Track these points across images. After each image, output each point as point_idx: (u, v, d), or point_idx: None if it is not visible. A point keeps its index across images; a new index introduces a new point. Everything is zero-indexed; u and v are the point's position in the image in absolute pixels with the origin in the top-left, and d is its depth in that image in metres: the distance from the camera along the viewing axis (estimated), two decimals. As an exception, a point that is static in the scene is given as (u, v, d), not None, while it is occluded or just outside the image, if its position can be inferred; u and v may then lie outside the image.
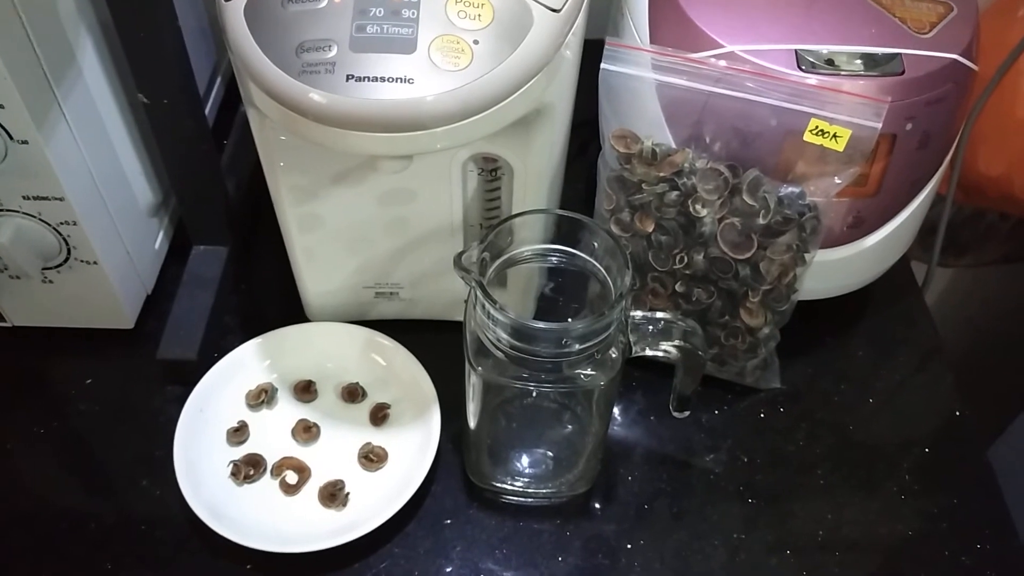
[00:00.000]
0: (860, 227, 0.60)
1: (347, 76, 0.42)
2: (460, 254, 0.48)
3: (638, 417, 0.63)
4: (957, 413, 0.64)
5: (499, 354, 0.49)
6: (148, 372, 0.63)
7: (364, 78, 0.42)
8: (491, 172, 0.55)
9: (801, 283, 0.59)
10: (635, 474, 0.60)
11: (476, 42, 0.43)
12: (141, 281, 0.65)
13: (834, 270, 0.62)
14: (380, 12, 0.43)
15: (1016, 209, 0.86)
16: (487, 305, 0.47)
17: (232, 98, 0.77)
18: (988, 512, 0.59)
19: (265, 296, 0.69)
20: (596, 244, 0.51)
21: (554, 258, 0.52)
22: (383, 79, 0.42)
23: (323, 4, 0.43)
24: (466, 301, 0.51)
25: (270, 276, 0.69)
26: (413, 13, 0.43)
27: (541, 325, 0.47)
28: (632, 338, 0.51)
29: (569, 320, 0.67)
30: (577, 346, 0.48)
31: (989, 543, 0.57)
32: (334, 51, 0.42)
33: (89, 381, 0.64)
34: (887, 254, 0.64)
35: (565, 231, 0.52)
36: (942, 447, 0.62)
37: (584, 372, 0.50)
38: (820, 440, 0.62)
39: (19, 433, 0.61)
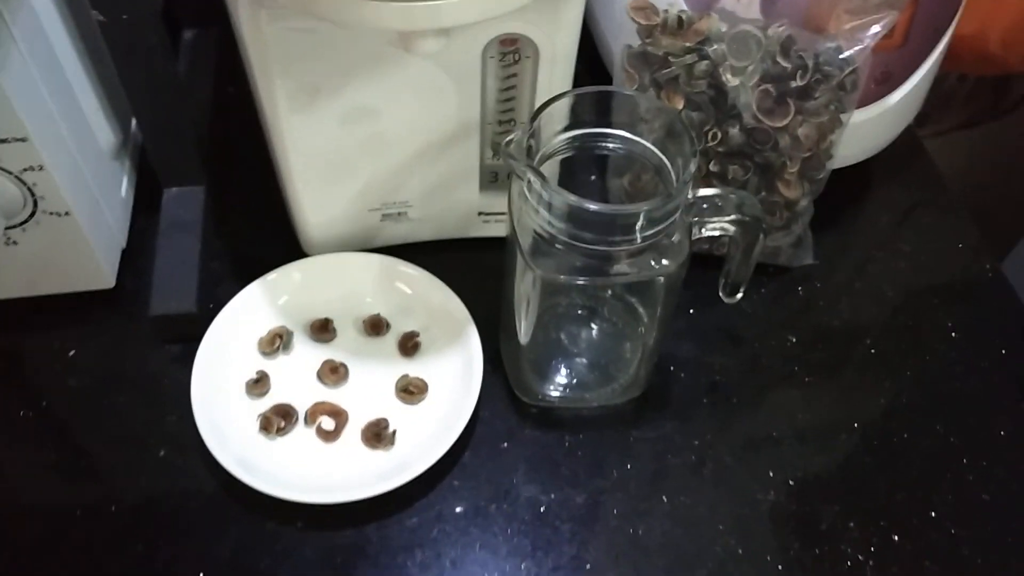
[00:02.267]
0: (887, 82, 0.58)
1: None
2: (508, 140, 0.43)
3: (678, 312, 0.60)
4: (988, 268, 0.63)
5: (558, 247, 0.44)
6: (139, 333, 0.57)
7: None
8: (512, 56, 0.49)
9: (837, 148, 0.56)
10: (686, 370, 0.57)
11: None
12: (115, 234, 0.57)
13: (863, 131, 0.59)
14: None
15: (992, 68, 0.85)
16: (544, 193, 0.42)
17: (172, 18, 0.68)
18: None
19: (253, 236, 0.62)
20: (656, 124, 0.47)
21: (610, 144, 0.47)
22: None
23: None
24: (508, 198, 0.46)
25: (253, 213, 0.63)
26: None
27: (606, 208, 0.42)
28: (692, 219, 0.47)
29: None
30: (646, 232, 0.44)
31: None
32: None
33: (73, 352, 0.56)
34: (910, 110, 0.62)
35: (599, 113, 0.47)
36: (981, 299, 0.61)
37: (653, 260, 0.46)
38: (863, 310, 0.60)
39: (1, 420, 0.54)
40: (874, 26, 0.51)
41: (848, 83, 0.53)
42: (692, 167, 0.44)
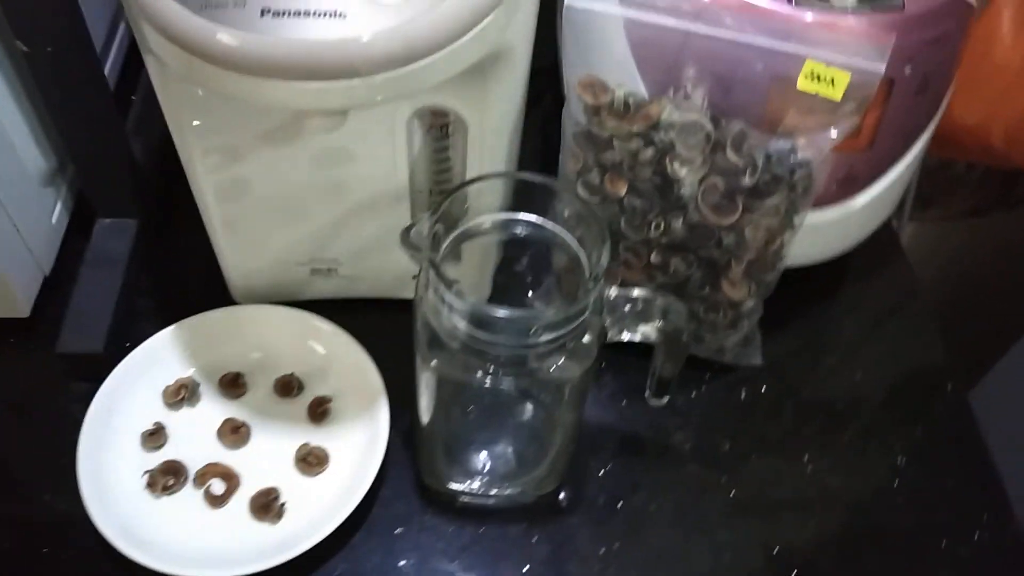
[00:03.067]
0: (851, 184, 0.54)
1: (262, 10, 0.34)
2: (408, 228, 0.40)
3: (608, 402, 0.57)
4: (949, 388, 0.59)
5: (455, 345, 0.42)
6: (49, 367, 0.55)
7: (284, 12, 0.34)
8: (440, 129, 0.47)
9: (788, 249, 0.53)
10: (607, 467, 0.54)
11: (421, -32, 0.35)
12: (35, 261, 0.56)
13: (823, 233, 0.56)
14: (302, -68, 0.35)
15: (994, 160, 0.81)
16: (441, 289, 0.40)
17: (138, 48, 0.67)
18: (985, 495, 0.54)
19: (184, 276, 0.61)
20: (566, 212, 0.44)
21: (519, 229, 0.45)
22: (307, 13, 0.34)
23: (230, -79, 0.35)
24: (415, 281, 0.44)
25: (190, 252, 0.61)
26: (343, -67, 0.35)
27: (506, 313, 0.39)
28: (606, 321, 0.44)
29: (529, 295, 0.60)
30: (548, 335, 0.41)
31: (987, 528, 0.52)
32: (244, -21, 0.34)
33: (-22, 379, 0.55)
34: (878, 212, 0.58)
35: (528, 197, 0.45)
36: (940, 427, 0.57)
37: (556, 363, 0.43)
38: (807, 422, 0.57)
39: None
40: (832, 128, 0.48)
41: (801, 185, 0.50)
42: (604, 262, 0.41)
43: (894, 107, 0.51)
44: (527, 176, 0.43)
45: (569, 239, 0.44)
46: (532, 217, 0.45)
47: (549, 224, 0.44)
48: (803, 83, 0.46)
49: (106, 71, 0.60)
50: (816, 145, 0.48)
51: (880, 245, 0.64)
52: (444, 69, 0.38)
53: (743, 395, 0.58)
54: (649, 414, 0.56)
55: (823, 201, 0.54)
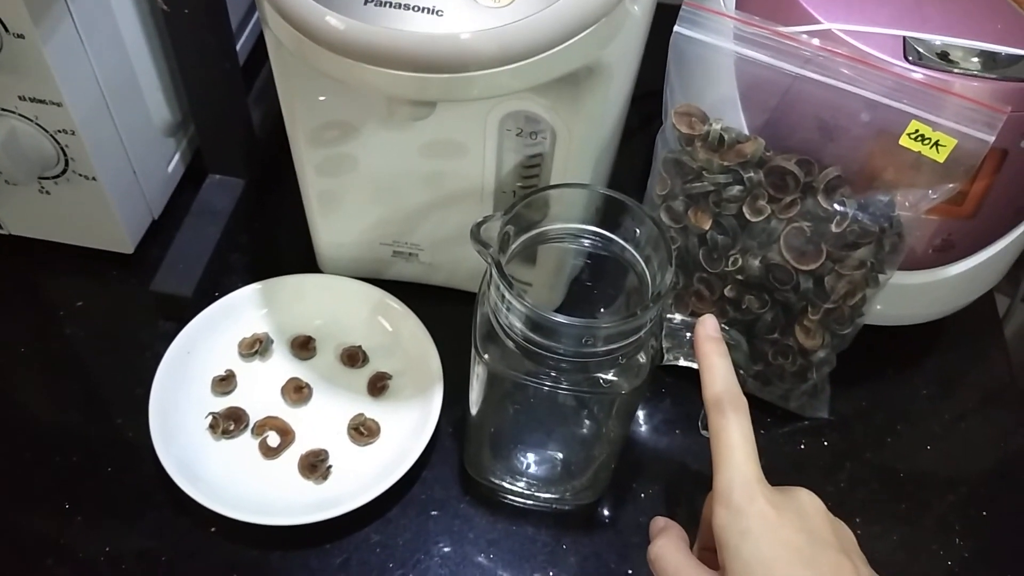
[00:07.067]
0: (948, 251, 0.53)
1: (367, -1, 0.36)
2: (479, 224, 0.41)
3: (662, 426, 0.57)
4: (1026, 476, 0.56)
5: (510, 344, 0.43)
6: (143, 303, 0.59)
7: (386, 3, 0.36)
8: (531, 135, 0.48)
9: (870, 306, 0.51)
10: (649, 491, 0.54)
11: (525, -25, 0.36)
12: (147, 204, 0.60)
13: (911, 296, 0.54)
14: (417, -74, 0.36)
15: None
16: (502, 287, 0.41)
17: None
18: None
19: (279, 239, 0.64)
20: (639, 232, 0.44)
21: (587, 241, 0.45)
22: (407, 6, 0.35)
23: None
24: (483, 276, 0.45)
25: (289, 219, 0.64)
26: (456, -68, 0.36)
27: (561, 319, 0.40)
28: (665, 344, 0.44)
29: (601, 311, 0.60)
30: (601, 347, 0.41)
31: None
32: (356, -34, 0.36)
33: (80, 303, 0.59)
34: (974, 285, 0.56)
35: (607, 212, 0.45)
36: (1009, 521, 0.54)
37: (606, 376, 0.43)
38: (864, 484, 0.55)
39: (0, 348, 0.57)
40: (931, 191, 0.47)
41: (889, 242, 0.48)
42: (666, 284, 0.41)
43: (1005, 179, 0.49)
44: (604, 191, 0.44)
45: (639, 259, 0.45)
46: (605, 232, 0.45)
47: (620, 241, 0.45)
48: (906, 141, 0.45)
49: (240, 43, 0.64)
50: (912, 204, 0.47)
51: (977, 318, 0.62)
52: (536, 76, 0.38)
53: (802, 445, 0.56)
54: (701, 446, 0.55)
55: (915, 263, 0.52)
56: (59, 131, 0.51)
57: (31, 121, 0.50)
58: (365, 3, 0.35)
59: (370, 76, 0.38)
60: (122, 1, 0.52)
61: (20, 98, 0.49)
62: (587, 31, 0.38)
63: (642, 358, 0.44)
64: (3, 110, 0.50)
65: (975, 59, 0.47)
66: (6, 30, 0.45)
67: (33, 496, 0.51)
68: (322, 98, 0.47)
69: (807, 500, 0.39)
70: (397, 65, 0.37)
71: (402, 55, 0.37)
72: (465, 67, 0.37)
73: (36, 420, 0.55)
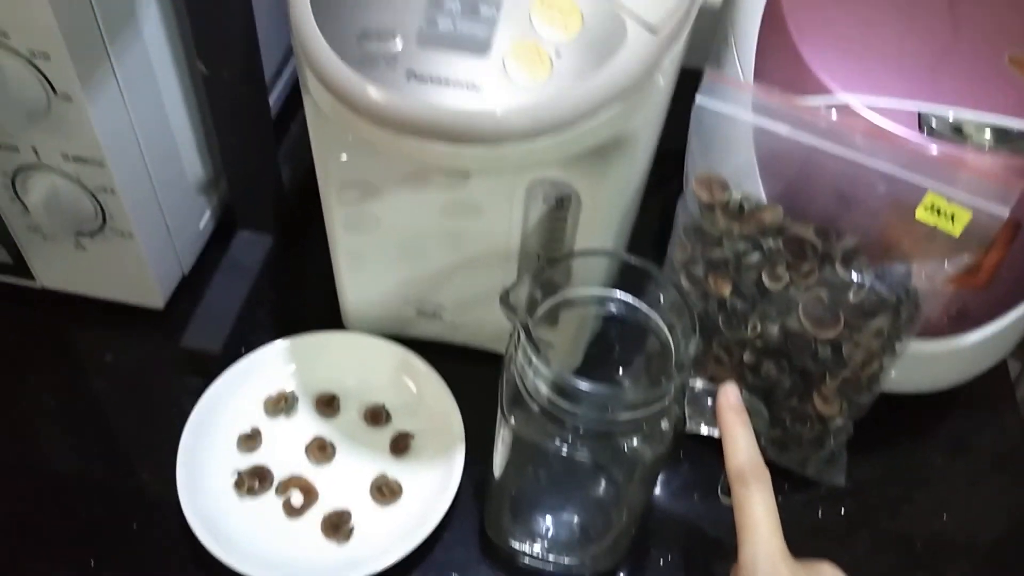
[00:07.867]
0: (962, 321, 0.53)
1: (409, 74, 0.37)
2: (508, 290, 0.43)
3: (681, 492, 0.57)
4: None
5: (535, 407, 0.43)
6: (171, 358, 0.60)
7: (427, 78, 0.37)
8: (557, 201, 0.50)
9: (887, 374, 0.52)
10: (668, 558, 0.54)
11: (558, 54, 0.38)
12: (178, 260, 0.61)
13: (926, 364, 0.55)
14: (457, 6, 0.38)
15: None
16: (529, 352, 0.42)
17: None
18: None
19: (306, 295, 0.65)
20: (662, 297, 0.46)
21: (613, 306, 0.46)
22: (447, 82, 0.37)
23: (396, -11, 0.39)
24: (509, 338, 0.46)
25: (315, 275, 0.65)
26: (493, 12, 0.38)
27: (587, 387, 0.41)
28: (687, 411, 0.45)
29: (620, 372, 0.61)
30: (625, 415, 0.42)
31: None
32: (398, 43, 0.38)
33: (109, 358, 0.60)
34: (988, 354, 0.57)
35: (630, 277, 0.47)
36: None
37: (629, 442, 0.44)
38: (882, 552, 0.55)
39: (29, 400, 0.58)
40: (947, 261, 0.48)
41: (906, 312, 0.49)
42: (691, 353, 0.42)
43: (1018, 250, 0.50)
44: (629, 258, 0.45)
45: (662, 325, 0.46)
46: (629, 298, 0.46)
47: (644, 307, 0.46)
48: (922, 214, 0.46)
49: (272, 98, 0.66)
50: (928, 275, 0.48)
51: (991, 386, 0.62)
52: (565, 149, 0.40)
53: (819, 513, 0.57)
54: (719, 512, 0.56)
55: (931, 332, 0.53)
56: (99, 189, 0.52)
57: (72, 179, 0.52)
58: (408, 78, 0.37)
59: (407, 146, 0.39)
60: (163, 63, 0.54)
61: (63, 156, 0.51)
62: (615, 107, 0.39)
63: (665, 425, 0.45)
64: (46, 167, 0.51)
65: (987, 133, 0.48)
66: (54, 91, 0.47)
67: (59, 551, 0.52)
68: (356, 160, 0.48)
69: (830, 574, 0.39)
70: (435, 138, 0.38)
71: (440, 129, 0.38)
72: (497, 141, 0.39)
73: (63, 474, 0.55)
